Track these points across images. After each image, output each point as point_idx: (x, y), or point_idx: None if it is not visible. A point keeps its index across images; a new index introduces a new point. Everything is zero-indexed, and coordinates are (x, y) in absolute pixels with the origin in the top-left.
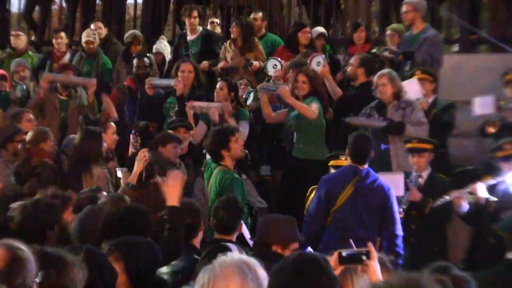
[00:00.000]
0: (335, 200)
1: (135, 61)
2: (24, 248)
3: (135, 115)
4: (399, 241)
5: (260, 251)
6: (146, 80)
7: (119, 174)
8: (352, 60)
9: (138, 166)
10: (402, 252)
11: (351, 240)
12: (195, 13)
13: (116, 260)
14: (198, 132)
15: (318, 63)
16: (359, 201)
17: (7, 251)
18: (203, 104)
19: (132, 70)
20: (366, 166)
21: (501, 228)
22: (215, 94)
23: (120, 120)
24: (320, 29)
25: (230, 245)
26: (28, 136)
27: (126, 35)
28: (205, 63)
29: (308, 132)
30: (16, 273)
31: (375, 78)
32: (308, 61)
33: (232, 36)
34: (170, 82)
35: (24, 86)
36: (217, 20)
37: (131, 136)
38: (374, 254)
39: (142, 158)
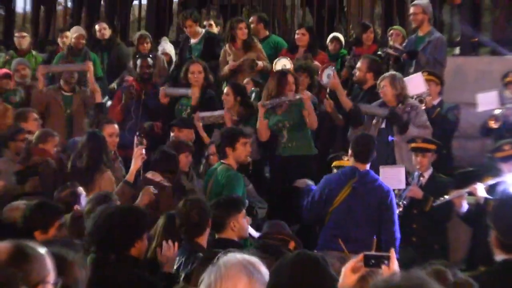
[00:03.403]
0: (333, 200)
1: (138, 61)
2: (36, 247)
3: (139, 116)
4: (396, 245)
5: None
6: (161, 89)
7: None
8: (359, 65)
9: (135, 164)
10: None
11: (340, 240)
12: (189, 22)
13: None
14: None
15: (328, 75)
16: (356, 202)
17: (12, 245)
18: (208, 114)
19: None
20: (367, 166)
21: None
22: (223, 99)
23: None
24: (335, 33)
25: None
26: (33, 136)
27: (134, 36)
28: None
29: (303, 129)
30: (17, 268)
31: (378, 80)
32: (319, 73)
33: (241, 37)
34: (186, 91)
35: (23, 92)
36: (211, 22)
37: (135, 138)
38: (393, 260)
39: (139, 156)
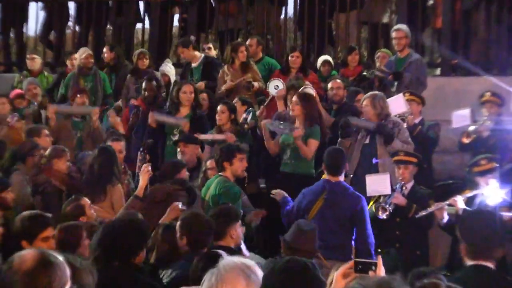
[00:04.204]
0: (308, 211)
1: (144, 84)
2: (56, 255)
3: (144, 134)
4: (370, 249)
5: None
6: (150, 113)
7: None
8: (338, 85)
9: (143, 180)
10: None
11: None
12: (180, 49)
13: None
14: (205, 155)
15: (276, 86)
16: (329, 212)
17: (37, 253)
18: (208, 137)
19: (140, 86)
20: (340, 177)
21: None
22: (216, 117)
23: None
24: (326, 57)
25: (220, 252)
26: (47, 152)
27: (134, 52)
28: (201, 84)
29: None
30: (43, 276)
31: (361, 100)
32: (267, 84)
33: (241, 59)
34: (177, 121)
35: (36, 104)
36: (210, 45)
37: (138, 154)
38: (380, 266)
39: (146, 172)
